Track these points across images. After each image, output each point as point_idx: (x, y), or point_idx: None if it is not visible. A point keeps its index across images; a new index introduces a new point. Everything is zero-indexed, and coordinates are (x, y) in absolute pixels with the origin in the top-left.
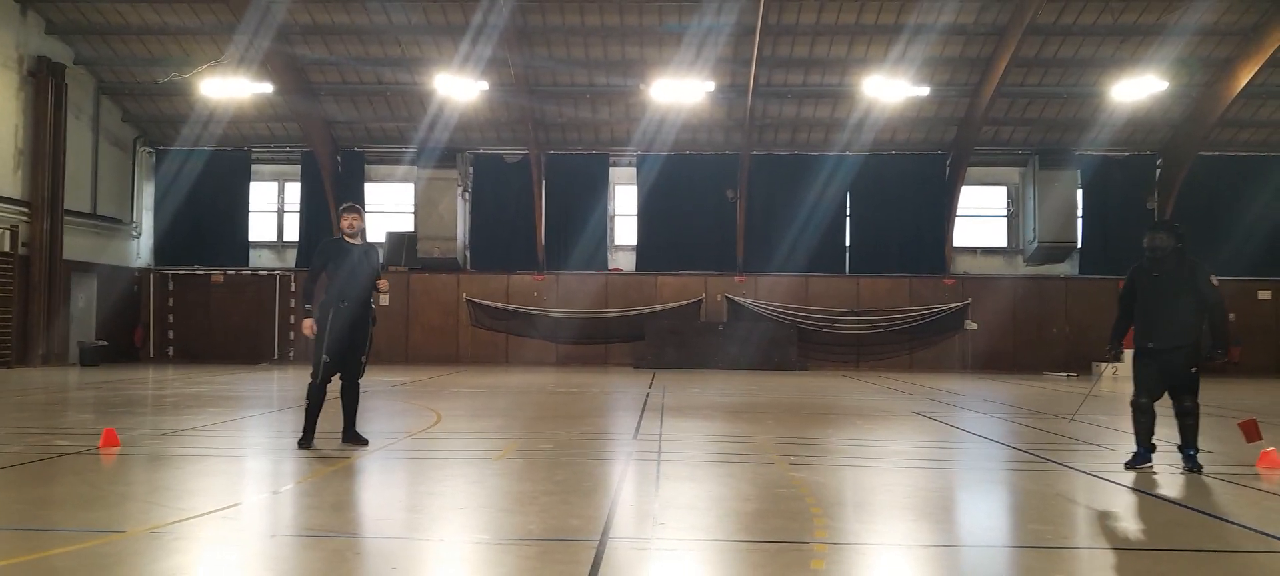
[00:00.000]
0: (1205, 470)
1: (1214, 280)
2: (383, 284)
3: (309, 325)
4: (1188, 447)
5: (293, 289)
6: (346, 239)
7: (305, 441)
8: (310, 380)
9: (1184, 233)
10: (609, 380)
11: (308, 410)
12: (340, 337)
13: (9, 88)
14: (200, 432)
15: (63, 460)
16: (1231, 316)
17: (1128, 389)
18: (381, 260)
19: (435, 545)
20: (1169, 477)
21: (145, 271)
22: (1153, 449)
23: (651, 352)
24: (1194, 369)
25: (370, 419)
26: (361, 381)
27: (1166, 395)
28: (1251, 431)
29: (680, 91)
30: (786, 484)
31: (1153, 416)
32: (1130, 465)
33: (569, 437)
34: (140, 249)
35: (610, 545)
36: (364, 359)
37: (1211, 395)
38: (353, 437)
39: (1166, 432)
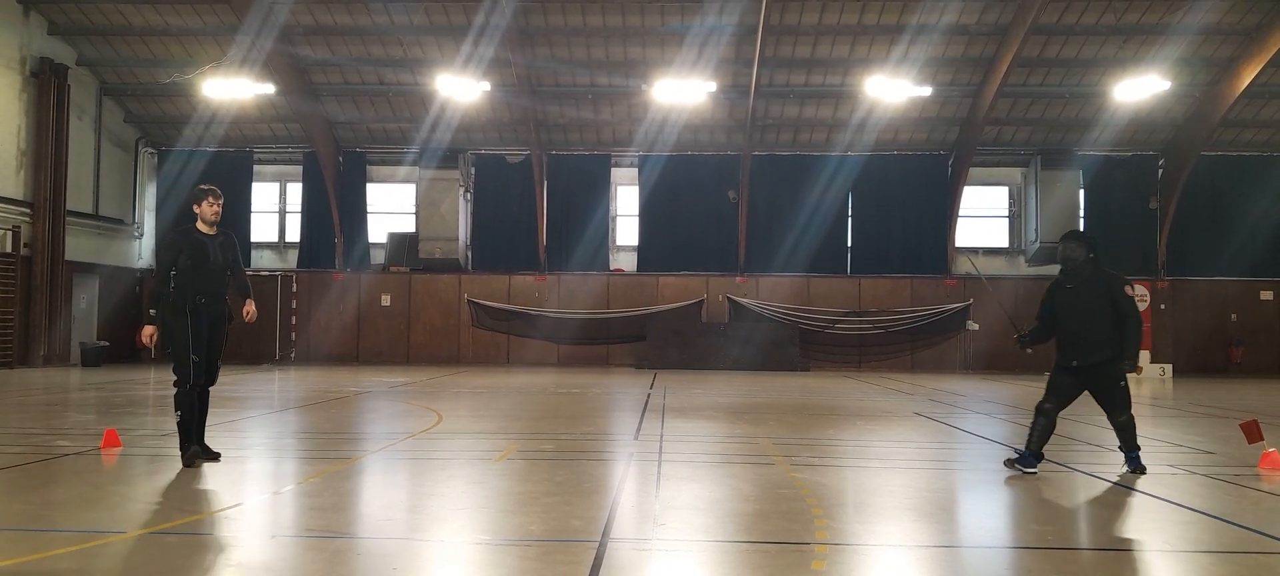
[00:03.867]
0: (1200, 472)
1: (1128, 291)
2: (249, 308)
3: (149, 332)
4: (1130, 449)
5: (294, 290)
6: (200, 229)
7: (193, 453)
8: (177, 387)
9: (1095, 242)
10: (610, 381)
11: (182, 421)
12: (202, 337)
13: (12, 89)
14: None
15: (64, 461)
16: (1233, 317)
17: (1133, 389)
18: (237, 253)
19: (436, 545)
20: (1170, 478)
21: (147, 272)
22: (1040, 458)
23: (653, 353)
24: (1123, 383)
25: (373, 419)
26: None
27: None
28: (1253, 432)
29: (682, 92)
30: (787, 484)
31: (1053, 426)
32: (1012, 462)
33: (570, 438)
34: (142, 250)
35: (611, 546)
36: (218, 363)
37: (1213, 396)
38: (205, 451)
39: (1108, 441)
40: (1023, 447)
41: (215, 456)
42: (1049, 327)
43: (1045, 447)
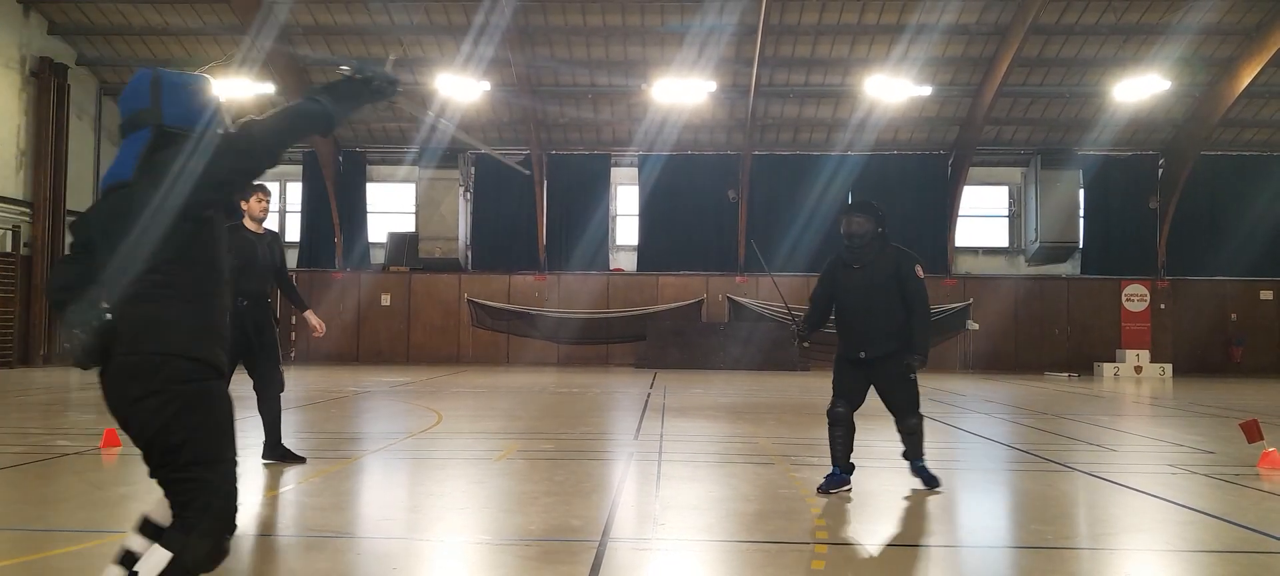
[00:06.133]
0: (1200, 472)
1: (920, 272)
2: (316, 323)
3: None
4: (916, 458)
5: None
6: (248, 227)
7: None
8: None
9: (884, 214)
10: (610, 380)
11: None
12: (238, 346)
13: (12, 88)
14: None
15: (64, 460)
16: (1233, 316)
17: (1128, 388)
18: (284, 257)
19: (436, 545)
20: (1170, 478)
21: None
22: (851, 469)
23: (653, 353)
24: (912, 379)
25: (372, 419)
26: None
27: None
28: (1253, 432)
29: (682, 92)
30: (787, 484)
31: (853, 431)
32: (825, 489)
33: (570, 438)
34: None
35: (611, 545)
36: (279, 368)
37: (1213, 395)
38: (287, 453)
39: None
40: (835, 468)
41: (300, 459)
42: (824, 312)
43: (852, 456)
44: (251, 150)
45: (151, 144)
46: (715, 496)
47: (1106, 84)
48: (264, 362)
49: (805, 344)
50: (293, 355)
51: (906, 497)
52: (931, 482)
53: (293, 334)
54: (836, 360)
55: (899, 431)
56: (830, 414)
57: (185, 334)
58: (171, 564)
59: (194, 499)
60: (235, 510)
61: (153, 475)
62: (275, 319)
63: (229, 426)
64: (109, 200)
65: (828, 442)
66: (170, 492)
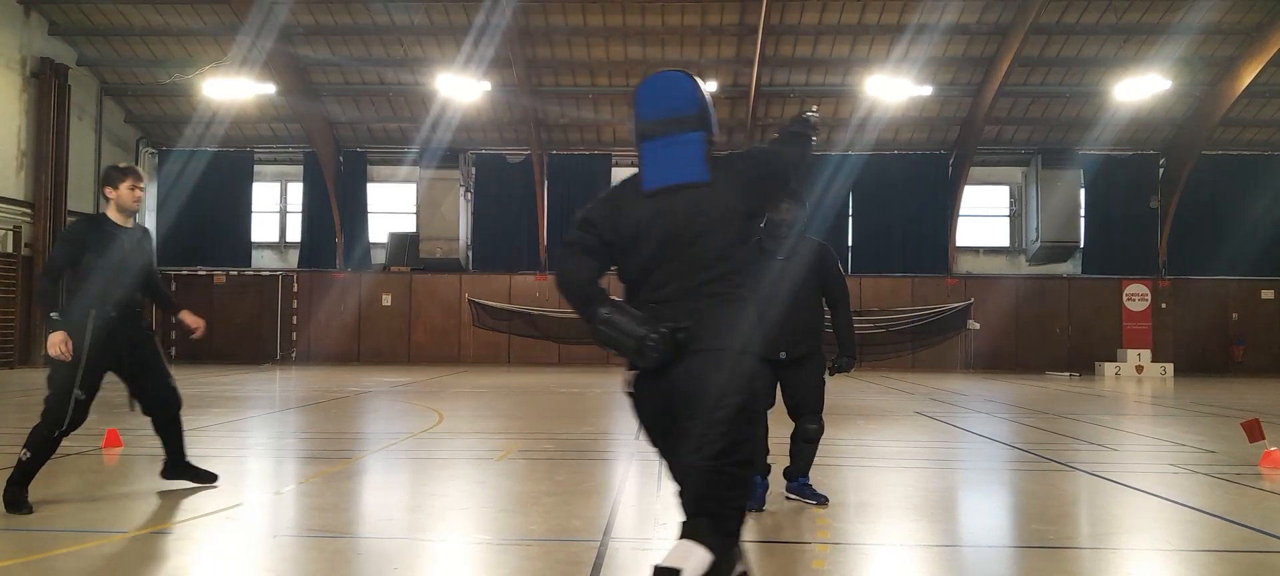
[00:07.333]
0: (1201, 471)
1: (840, 266)
2: (193, 320)
3: (61, 340)
4: (804, 473)
5: (295, 289)
6: (112, 219)
7: (21, 500)
8: (41, 425)
9: (806, 201)
10: (611, 380)
11: (27, 462)
12: (100, 366)
13: (12, 89)
14: (202, 433)
15: (65, 460)
16: (1234, 316)
17: (1129, 388)
18: (154, 254)
19: (437, 545)
20: (1171, 477)
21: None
22: (767, 470)
23: None
24: (823, 379)
25: (373, 419)
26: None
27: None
28: (1254, 431)
29: None
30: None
31: (766, 437)
32: (757, 507)
33: (571, 438)
34: None
35: (612, 545)
36: (171, 382)
37: (1214, 395)
38: (196, 471)
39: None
40: (757, 476)
41: (211, 477)
42: None
43: (768, 459)
44: (786, 172)
45: (707, 149)
46: None
47: (1107, 84)
48: (152, 380)
49: None
50: (293, 355)
51: (906, 498)
52: (819, 499)
53: (293, 333)
54: None
55: (800, 439)
56: None
57: None
58: None
59: None
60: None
61: None
62: (150, 327)
63: None
64: (680, 196)
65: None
66: None
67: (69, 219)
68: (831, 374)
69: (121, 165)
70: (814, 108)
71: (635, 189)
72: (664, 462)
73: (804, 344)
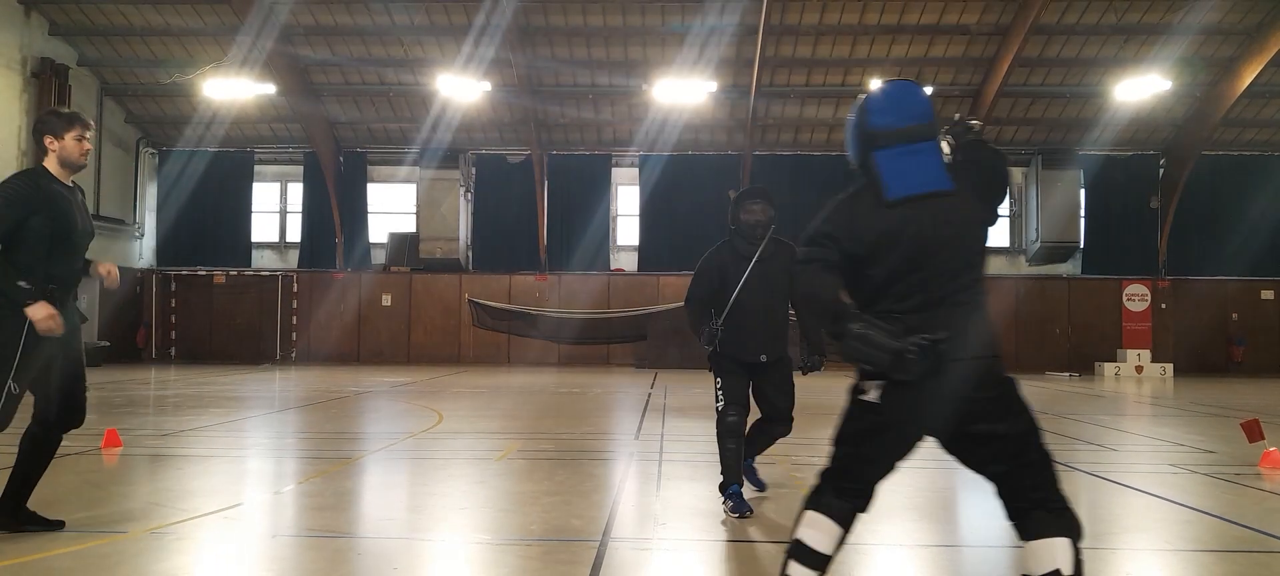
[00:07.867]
0: (1201, 471)
1: None
2: (106, 268)
3: (47, 313)
4: (753, 476)
5: (295, 289)
6: (58, 178)
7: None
8: None
9: (775, 203)
10: (611, 380)
11: None
12: (44, 352)
13: (12, 89)
14: (202, 433)
15: (65, 460)
16: (1234, 316)
17: (1129, 388)
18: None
19: (436, 545)
20: (1171, 477)
21: (148, 272)
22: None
23: (654, 353)
24: (792, 380)
25: (373, 419)
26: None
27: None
28: (1254, 431)
29: (682, 92)
30: (788, 484)
31: (743, 437)
32: (731, 510)
33: (571, 438)
34: (143, 250)
35: (612, 545)
36: (85, 393)
37: (1214, 395)
38: (28, 517)
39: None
40: (734, 486)
41: (56, 525)
42: (709, 309)
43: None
44: (1007, 178)
45: (943, 158)
46: (716, 496)
47: (1107, 84)
48: (76, 383)
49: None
50: (293, 354)
51: (906, 498)
52: (760, 485)
53: (293, 333)
54: (725, 364)
55: (772, 437)
56: (726, 424)
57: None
58: None
59: None
60: None
61: None
62: (83, 316)
63: None
64: (927, 205)
65: (722, 457)
66: None
67: None
68: (804, 373)
69: (64, 110)
70: (972, 120)
71: (873, 199)
72: (862, 466)
73: (781, 347)
